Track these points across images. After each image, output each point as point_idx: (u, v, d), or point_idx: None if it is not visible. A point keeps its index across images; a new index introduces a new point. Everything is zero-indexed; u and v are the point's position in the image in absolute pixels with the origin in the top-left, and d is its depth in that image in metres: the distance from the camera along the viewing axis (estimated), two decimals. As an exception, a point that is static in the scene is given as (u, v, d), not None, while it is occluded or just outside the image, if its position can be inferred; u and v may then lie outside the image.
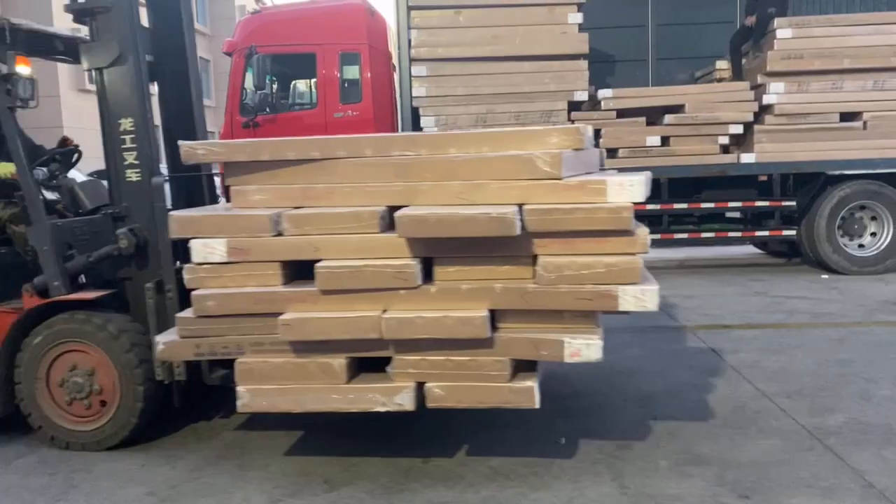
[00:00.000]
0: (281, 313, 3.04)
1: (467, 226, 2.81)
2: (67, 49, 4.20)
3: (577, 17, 7.91)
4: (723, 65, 8.72)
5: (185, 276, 3.20)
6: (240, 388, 3.13)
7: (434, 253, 3.01)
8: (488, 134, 3.28)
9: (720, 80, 8.72)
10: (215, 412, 4.12)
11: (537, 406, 3.01)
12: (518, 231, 2.77)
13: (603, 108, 7.91)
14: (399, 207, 2.98)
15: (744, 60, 8.38)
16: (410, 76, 7.85)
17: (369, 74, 8.44)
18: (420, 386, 3.06)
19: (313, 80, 8.67)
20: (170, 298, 3.62)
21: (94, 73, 3.78)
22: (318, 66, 8.41)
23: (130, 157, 3.76)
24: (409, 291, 2.98)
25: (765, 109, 7.71)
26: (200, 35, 25.21)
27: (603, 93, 7.95)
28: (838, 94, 7.60)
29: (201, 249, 3.12)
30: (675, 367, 4.70)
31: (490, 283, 3.00)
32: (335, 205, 3.11)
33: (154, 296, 3.63)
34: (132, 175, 3.76)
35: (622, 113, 7.91)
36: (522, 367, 3.10)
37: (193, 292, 3.16)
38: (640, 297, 2.87)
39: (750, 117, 7.71)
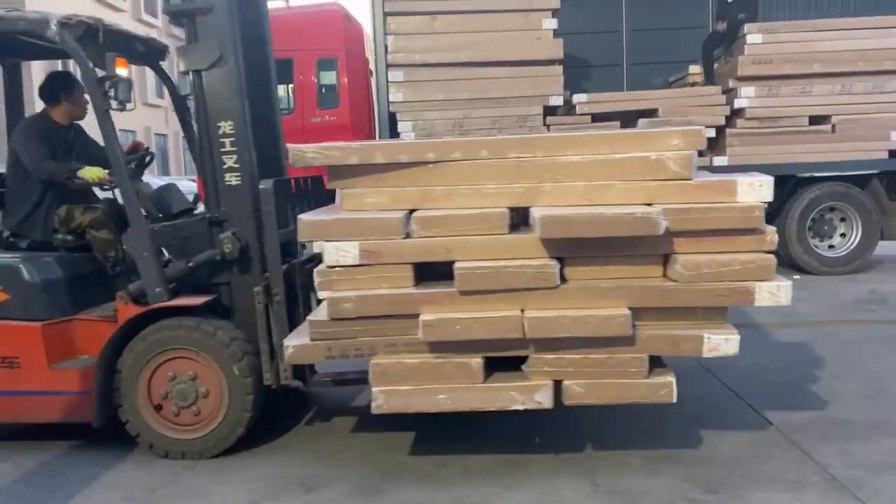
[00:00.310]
0: (414, 314, 3.06)
1: (613, 226, 2.89)
2: (147, 52, 4.18)
3: (551, 23, 7.99)
4: (695, 69, 8.85)
5: (317, 279, 3.14)
6: (374, 390, 3.11)
7: (564, 253, 3.05)
8: (608, 136, 3.33)
9: (693, 84, 8.84)
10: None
11: (675, 401, 3.10)
12: (663, 231, 2.85)
13: (578, 112, 8.00)
14: (517, 208, 3.10)
15: (716, 65, 8.53)
16: (387, 81, 7.89)
17: (346, 80, 8.50)
18: (557, 384, 3.12)
19: (290, 86, 8.70)
20: (277, 302, 3.57)
21: (191, 75, 3.68)
22: (295, 72, 8.44)
23: (230, 161, 3.67)
24: (546, 291, 3.01)
25: (736, 113, 7.85)
26: (155, 29, 24.70)
27: (578, 97, 8.05)
28: (807, 98, 7.76)
29: (333, 252, 3.08)
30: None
31: (628, 281, 3.08)
32: (453, 206, 3.14)
33: (263, 300, 3.56)
34: (232, 179, 3.67)
35: (597, 117, 8.00)
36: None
37: (328, 295, 3.11)
38: (776, 293, 2.98)
39: (722, 121, 7.84)
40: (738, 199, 2.99)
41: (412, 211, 3.15)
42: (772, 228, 3.05)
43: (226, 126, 3.66)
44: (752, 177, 3.03)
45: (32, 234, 3.91)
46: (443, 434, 3.70)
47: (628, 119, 8.09)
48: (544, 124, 8.00)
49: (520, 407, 3.09)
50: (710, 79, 8.47)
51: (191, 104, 3.94)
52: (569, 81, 8.19)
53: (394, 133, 7.95)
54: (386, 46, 7.86)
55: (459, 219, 3.06)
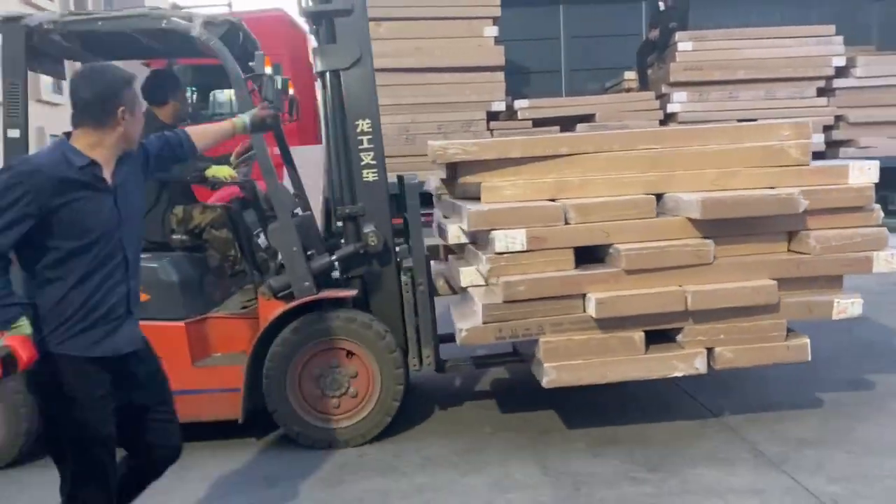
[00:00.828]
0: (579, 294, 3.38)
1: (763, 206, 3.35)
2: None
3: (492, 31, 8.21)
4: (630, 75, 9.19)
5: (486, 265, 3.35)
6: (546, 366, 3.36)
7: (709, 233, 3.40)
8: (728, 129, 3.86)
9: (628, 90, 9.18)
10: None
11: (809, 359, 3.52)
12: (802, 209, 3.32)
13: (519, 117, 8.24)
14: (650, 195, 3.48)
15: (649, 71, 8.90)
16: (333, 86, 7.96)
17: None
18: (709, 351, 3.47)
19: (233, 91, 8.66)
20: (421, 291, 3.76)
21: (328, 75, 3.78)
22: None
23: (367, 158, 3.78)
24: (700, 267, 3.39)
25: (669, 117, 8.20)
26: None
27: (519, 103, 8.28)
28: (735, 103, 8.17)
29: (503, 239, 3.30)
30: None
31: (765, 256, 3.51)
32: (589, 195, 3.50)
33: (410, 289, 3.75)
34: (369, 175, 3.78)
35: (538, 122, 8.24)
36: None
37: (503, 279, 3.30)
38: (890, 260, 3.48)
39: (656, 125, 8.17)
40: (850, 181, 3.47)
41: (551, 200, 3.51)
42: (877, 206, 3.54)
43: (363, 124, 3.79)
44: (861, 161, 3.54)
45: (150, 236, 3.66)
46: (399, 427, 3.84)
47: (567, 124, 8.35)
48: (488, 129, 8.21)
49: (679, 374, 3.47)
50: (644, 84, 8.83)
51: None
52: (510, 87, 8.42)
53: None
54: (330, 51, 7.94)
55: (612, 205, 3.43)
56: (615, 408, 3.99)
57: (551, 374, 3.36)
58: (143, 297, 3.47)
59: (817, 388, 4.12)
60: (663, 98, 8.22)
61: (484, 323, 3.37)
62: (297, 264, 3.63)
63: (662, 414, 3.89)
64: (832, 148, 8.26)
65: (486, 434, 3.78)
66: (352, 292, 3.74)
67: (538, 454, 3.49)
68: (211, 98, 9.02)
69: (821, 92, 8.17)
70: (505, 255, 3.34)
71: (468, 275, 3.66)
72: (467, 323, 3.46)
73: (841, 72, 8.20)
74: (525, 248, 3.33)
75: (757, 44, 8.22)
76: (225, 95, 8.95)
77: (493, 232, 3.33)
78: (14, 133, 3.55)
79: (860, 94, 8.23)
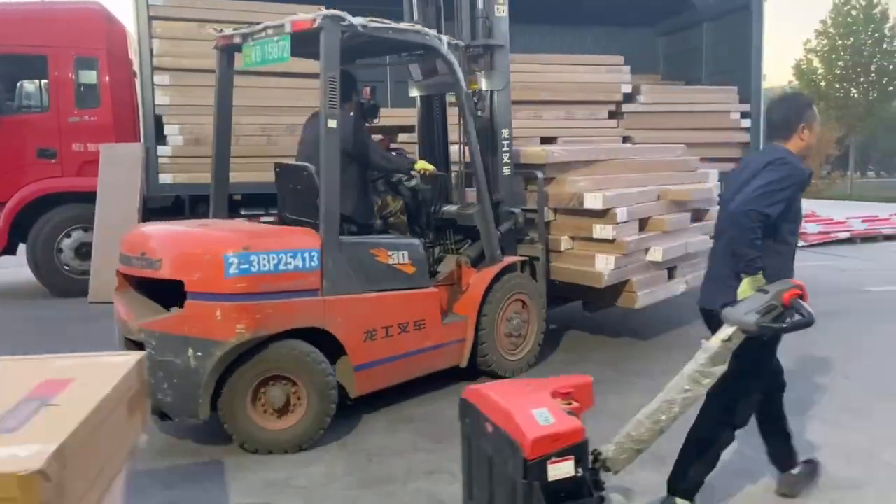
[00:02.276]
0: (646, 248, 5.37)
1: None
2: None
3: (319, 39, 8.49)
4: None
5: (612, 232, 5.05)
6: (639, 293, 5.23)
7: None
8: None
9: (450, 104, 9.79)
10: None
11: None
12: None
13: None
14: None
15: (466, 88, 9.56)
16: (153, 84, 7.87)
17: (108, 79, 8.31)
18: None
19: (44, 83, 8.30)
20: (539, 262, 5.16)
21: (485, 93, 4.98)
22: (49, 69, 8.09)
23: (506, 157, 5.05)
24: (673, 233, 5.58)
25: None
26: None
27: (346, 111, 8.62)
28: (540, 122, 9.01)
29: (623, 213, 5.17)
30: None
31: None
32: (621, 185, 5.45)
33: (544, 261, 5.17)
34: (506, 170, 5.05)
35: (382, 130, 8.60)
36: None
37: (626, 238, 5.16)
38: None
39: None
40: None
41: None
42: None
43: (505, 132, 5.06)
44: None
45: (361, 219, 4.35)
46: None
47: (390, 133, 8.82)
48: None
49: (680, 291, 5.62)
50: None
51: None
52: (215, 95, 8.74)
53: (160, 136, 7.95)
54: (151, 49, 7.85)
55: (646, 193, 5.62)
56: (419, 392, 4.39)
57: (643, 299, 5.26)
58: (409, 269, 4.25)
59: (584, 369, 4.79)
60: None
61: (616, 268, 5.08)
62: (492, 238, 4.71)
63: (455, 394, 4.34)
64: (621, 164, 9.34)
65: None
66: (524, 258, 5.05)
67: (338, 433, 3.82)
68: (17, 90, 8.53)
69: (611, 115, 9.21)
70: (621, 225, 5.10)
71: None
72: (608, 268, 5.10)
73: (629, 97, 9.29)
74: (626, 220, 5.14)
75: (558, 69, 9.11)
76: (34, 88, 8.52)
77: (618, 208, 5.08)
78: (332, 123, 3.81)
79: (645, 118, 9.37)
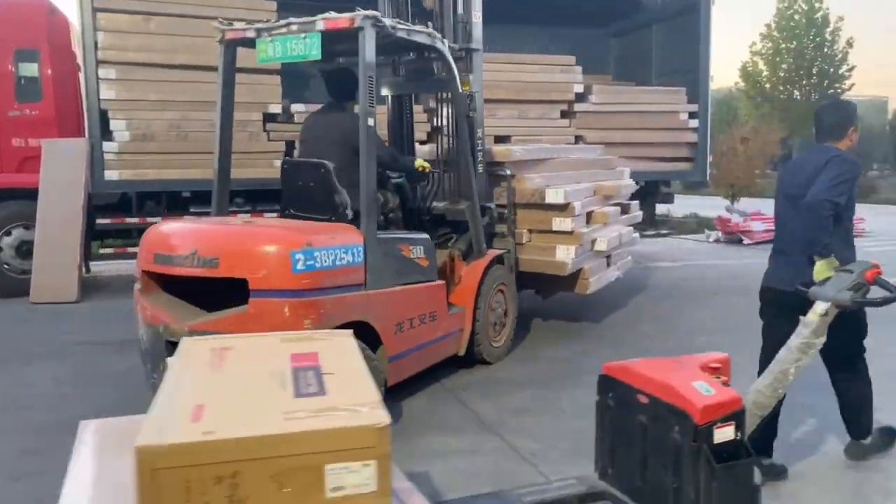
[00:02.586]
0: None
1: None
2: None
3: (269, 34, 8.37)
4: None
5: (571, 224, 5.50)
6: (591, 279, 5.68)
7: None
8: None
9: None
10: None
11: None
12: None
13: (297, 121, 8.47)
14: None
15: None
16: (97, 78, 7.66)
17: (50, 72, 8.05)
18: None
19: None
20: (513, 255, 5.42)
21: (471, 95, 5.19)
22: (-14, 62, 7.81)
23: (480, 156, 5.23)
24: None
25: (435, 130, 8.84)
26: None
27: (296, 107, 8.51)
28: (495, 120, 9.00)
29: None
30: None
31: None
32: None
33: (513, 253, 5.46)
34: (480, 168, 5.18)
35: (301, 126, 8.54)
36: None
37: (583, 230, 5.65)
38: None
39: (424, 136, 8.81)
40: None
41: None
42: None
43: (479, 131, 5.27)
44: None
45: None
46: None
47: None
48: (264, 130, 8.36)
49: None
50: (416, 98, 9.44)
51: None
52: (290, 90, 8.63)
53: (105, 131, 7.74)
54: (96, 42, 7.64)
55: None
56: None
57: (594, 284, 5.75)
58: (424, 263, 4.46)
59: (533, 364, 4.85)
60: (430, 112, 8.86)
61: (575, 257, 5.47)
62: (480, 233, 4.96)
63: (407, 394, 4.36)
64: (574, 163, 9.44)
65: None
66: (504, 251, 5.28)
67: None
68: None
69: (564, 114, 9.30)
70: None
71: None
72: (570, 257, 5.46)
73: (580, 97, 9.40)
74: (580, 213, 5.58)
75: (512, 68, 9.16)
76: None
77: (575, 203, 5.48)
78: (371, 121, 3.95)
79: (596, 118, 9.50)
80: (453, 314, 4.66)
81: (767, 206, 15.75)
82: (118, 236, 8.51)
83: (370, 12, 3.98)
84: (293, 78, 9.09)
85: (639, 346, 5.53)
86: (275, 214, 8.58)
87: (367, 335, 3.73)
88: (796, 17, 28.91)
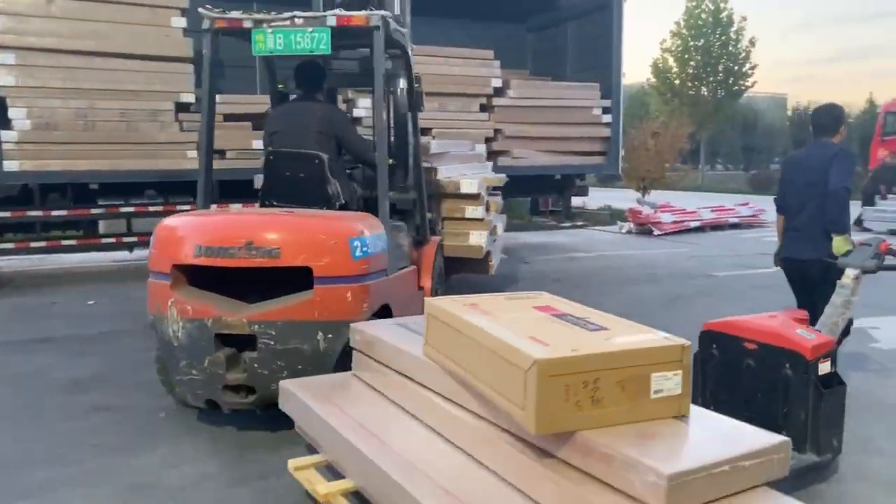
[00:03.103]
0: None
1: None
2: None
3: (180, 21, 8.12)
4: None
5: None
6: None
7: None
8: None
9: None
10: None
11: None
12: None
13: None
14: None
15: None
16: (-5, 63, 7.26)
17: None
18: None
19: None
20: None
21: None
22: None
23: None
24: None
25: (355, 121, 8.83)
26: None
27: (211, 96, 8.29)
28: (414, 112, 9.08)
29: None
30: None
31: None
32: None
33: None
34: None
35: (230, 117, 8.35)
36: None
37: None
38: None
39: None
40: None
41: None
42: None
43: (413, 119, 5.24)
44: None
45: (353, 206, 4.48)
46: (70, 419, 3.79)
47: (259, 120, 8.58)
48: (176, 120, 8.11)
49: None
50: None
51: None
52: (200, 79, 8.39)
53: (3, 119, 7.35)
54: (-7, 25, 7.24)
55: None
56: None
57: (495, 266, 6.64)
58: (407, 248, 4.76)
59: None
60: (349, 102, 8.81)
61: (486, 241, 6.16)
62: (426, 220, 5.15)
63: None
64: (493, 157, 9.58)
65: (161, 419, 3.91)
66: (439, 237, 5.53)
67: (209, 432, 3.72)
68: None
69: (483, 108, 9.43)
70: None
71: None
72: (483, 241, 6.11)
73: (499, 91, 9.54)
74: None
75: (432, 60, 9.19)
76: None
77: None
78: (384, 115, 4.56)
79: (514, 112, 9.67)
80: (420, 298, 4.73)
81: (676, 199, 16.46)
82: (19, 230, 8.11)
83: (384, 13, 4.18)
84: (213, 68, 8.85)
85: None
86: (189, 207, 8.44)
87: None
88: (703, 16, 30.14)
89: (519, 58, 11.52)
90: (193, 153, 8.16)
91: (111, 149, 7.82)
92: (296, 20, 4.13)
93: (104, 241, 8.21)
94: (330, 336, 3.51)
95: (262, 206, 4.46)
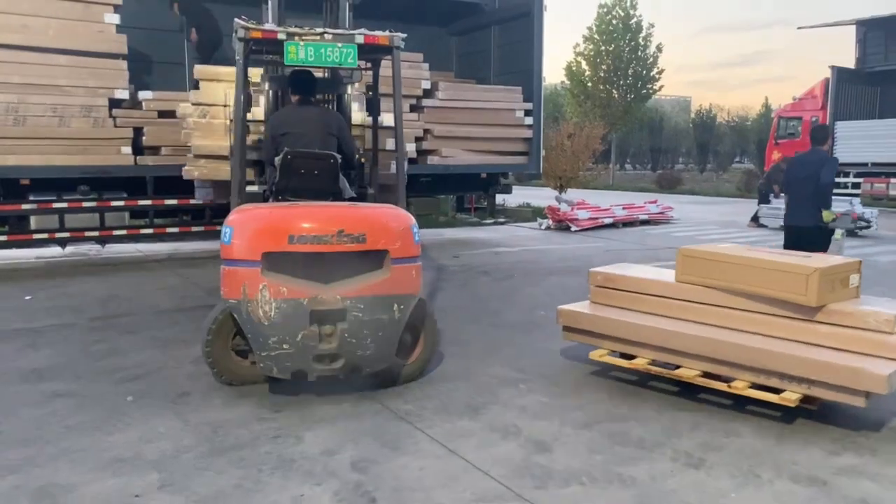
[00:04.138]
0: None
1: None
2: None
3: (113, 18, 8.16)
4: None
5: None
6: None
7: None
8: None
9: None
10: None
11: None
12: None
13: (144, 108, 8.33)
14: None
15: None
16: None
17: None
18: None
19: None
20: None
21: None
22: None
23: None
24: None
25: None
26: None
27: (143, 94, 8.37)
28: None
29: None
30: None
31: None
32: None
33: None
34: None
35: (163, 114, 8.43)
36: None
37: None
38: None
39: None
40: None
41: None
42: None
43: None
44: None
45: (349, 197, 4.95)
46: (32, 405, 3.96)
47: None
48: (110, 116, 8.14)
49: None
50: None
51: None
52: (135, 76, 8.44)
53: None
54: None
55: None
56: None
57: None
58: None
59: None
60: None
61: None
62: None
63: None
64: (422, 156, 9.99)
65: (130, 402, 4.13)
66: None
67: (177, 411, 3.98)
68: None
69: (413, 108, 9.81)
70: None
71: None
72: None
73: (428, 93, 9.95)
74: None
75: (363, 62, 9.50)
76: None
77: None
78: (402, 125, 5.13)
79: (442, 113, 10.09)
80: None
81: (590, 197, 17.25)
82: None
83: (402, 35, 4.81)
84: (139, 63, 8.89)
85: (490, 320, 6.15)
86: (123, 203, 8.47)
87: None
88: (614, 22, 31.44)
89: (444, 61, 11.95)
90: (128, 149, 8.23)
91: (43, 144, 7.80)
92: (326, 35, 4.54)
93: (36, 237, 8.14)
94: (402, 307, 4.18)
95: (276, 200, 4.78)
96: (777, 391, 3.87)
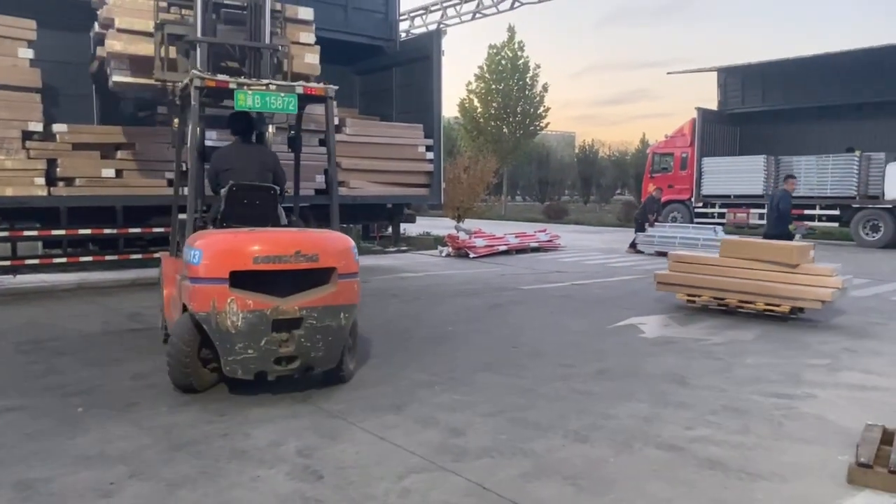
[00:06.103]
0: None
1: None
2: None
3: (27, 52, 8.35)
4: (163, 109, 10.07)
5: None
6: None
7: None
8: None
9: (161, 122, 10.08)
10: None
11: None
12: None
13: (59, 140, 8.51)
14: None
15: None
16: None
17: None
18: None
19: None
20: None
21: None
22: None
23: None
24: None
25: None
26: None
27: (58, 127, 8.55)
28: (257, 145, 9.82)
29: None
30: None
31: None
32: None
33: None
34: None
35: (78, 146, 8.63)
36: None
37: None
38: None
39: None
40: None
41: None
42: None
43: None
44: None
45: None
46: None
47: (107, 150, 8.94)
48: (24, 148, 8.28)
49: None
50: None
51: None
52: (48, 110, 8.61)
53: None
54: None
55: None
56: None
57: None
58: None
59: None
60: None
61: None
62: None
63: (249, 386, 5.09)
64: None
65: (79, 413, 4.48)
66: None
67: (130, 419, 4.37)
68: None
69: (322, 142, 10.38)
70: None
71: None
72: None
73: (336, 128, 10.55)
74: None
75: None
76: None
77: None
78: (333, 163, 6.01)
79: (350, 147, 10.74)
80: None
81: (486, 226, 18.30)
82: None
83: (334, 87, 5.55)
84: (48, 95, 9.03)
85: (403, 335, 6.79)
86: (36, 233, 8.56)
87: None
88: (503, 62, 33.16)
89: (349, 97, 12.63)
90: (41, 180, 8.38)
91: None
92: (270, 86, 5.18)
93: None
94: (347, 315, 4.90)
95: (219, 227, 5.27)
96: (777, 307, 7.71)
